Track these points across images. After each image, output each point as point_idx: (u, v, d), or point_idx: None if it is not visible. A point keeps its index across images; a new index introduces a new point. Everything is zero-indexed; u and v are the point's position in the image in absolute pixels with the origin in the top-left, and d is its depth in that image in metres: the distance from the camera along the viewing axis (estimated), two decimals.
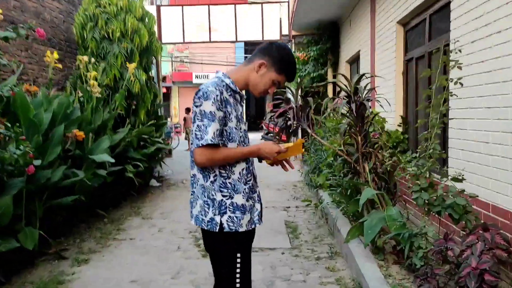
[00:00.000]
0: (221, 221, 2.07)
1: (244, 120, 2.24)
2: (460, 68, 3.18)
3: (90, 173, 5.25)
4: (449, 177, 3.12)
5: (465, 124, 3.61)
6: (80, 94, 5.90)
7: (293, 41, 11.81)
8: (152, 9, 11.20)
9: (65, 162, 4.85)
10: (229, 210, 2.08)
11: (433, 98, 3.14)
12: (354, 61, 8.64)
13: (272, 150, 2.10)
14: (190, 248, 4.81)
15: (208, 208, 2.09)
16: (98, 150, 5.43)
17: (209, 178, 2.09)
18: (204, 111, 1.98)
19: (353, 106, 3.76)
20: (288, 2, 11.54)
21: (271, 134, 14.39)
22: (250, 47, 27.72)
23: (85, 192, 5.60)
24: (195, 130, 2.01)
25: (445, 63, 3.27)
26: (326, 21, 9.95)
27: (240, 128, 2.13)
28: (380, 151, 4.04)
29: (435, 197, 2.95)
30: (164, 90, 21.15)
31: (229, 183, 2.09)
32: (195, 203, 2.17)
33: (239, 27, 11.46)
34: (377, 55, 6.35)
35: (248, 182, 2.15)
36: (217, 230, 2.07)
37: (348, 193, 4.55)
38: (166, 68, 26.95)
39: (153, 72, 9.38)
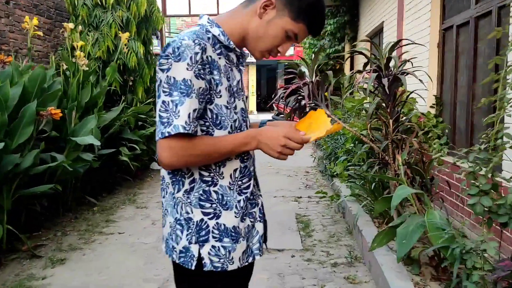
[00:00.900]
0: (200, 253, 1.34)
1: (244, 94, 1.47)
2: None
3: (73, 158, 4.57)
4: None
5: None
6: (66, 67, 5.17)
7: None
8: None
9: (45, 145, 4.17)
10: (213, 237, 1.35)
11: (503, 73, 2.32)
12: (376, 34, 7.78)
13: (290, 140, 1.32)
14: None
15: (181, 232, 1.36)
16: (83, 131, 4.73)
17: (183, 185, 1.35)
18: (173, 78, 1.24)
19: (385, 81, 2.98)
20: None
21: (282, 115, 13.60)
22: None
23: (69, 179, 4.96)
24: (159, 110, 1.26)
25: None
26: None
27: (235, 107, 1.37)
28: (415, 138, 3.27)
29: (499, 204, 2.20)
30: None
31: (215, 192, 1.35)
32: (164, 220, 1.44)
33: None
34: (406, 26, 5.51)
35: (244, 191, 1.41)
36: (193, 267, 1.34)
37: (372, 187, 3.81)
38: None
39: (155, 47, 8.62)
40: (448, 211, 3.69)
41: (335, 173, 5.71)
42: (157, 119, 1.26)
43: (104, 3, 6.36)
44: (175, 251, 1.36)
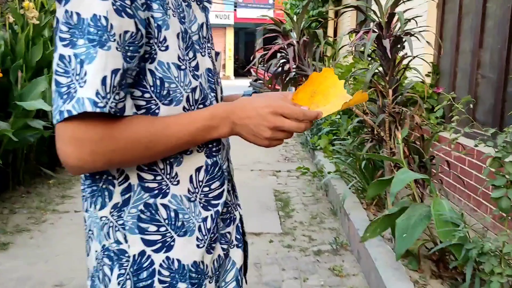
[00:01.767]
0: None
1: (212, 47, 0.94)
2: None
3: (20, 125, 3.97)
4: None
5: None
6: (12, 20, 4.48)
7: None
8: None
9: None
10: (161, 281, 0.85)
11: None
12: None
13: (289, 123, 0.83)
14: None
15: (111, 269, 0.85)
16: (32, 94, 4.11)
17: (110, 197, 0.84)
18: (77, 15, 0.72)
19: (386, 43, 2.48)
20: None
21: (261, 81, 12.98)
22: None
23: (19, 148, 4.37)
24: (56, 72, 0.73)
25: None
26: None
27: (196, 67, 0.86)
28: (416, 113, 2.80)
29: None
30: None
31: (164, 207, 0.85)
32: (88, 246, 0.93)
33: None
34: None
35: (213, 202, 0.91)
36: None
37: (362, 166, 3.36)
38: None
39: None
40: (447, 193, 3.29)
41: (318, 147, 5.26)
42: (53, 87, 0.74)
43: None
44: None
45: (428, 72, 4.13)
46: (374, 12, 2.65)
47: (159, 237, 0.84)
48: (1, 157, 3.76)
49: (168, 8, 0.80)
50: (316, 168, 5.18)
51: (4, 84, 3.88)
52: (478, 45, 3.35)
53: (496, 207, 1.93)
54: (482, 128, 2.99)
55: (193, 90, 0.85)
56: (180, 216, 0.86)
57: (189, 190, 0.87)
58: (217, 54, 0.97)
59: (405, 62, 2.82)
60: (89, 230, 0.90)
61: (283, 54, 3.19)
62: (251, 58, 3.36)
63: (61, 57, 0.72)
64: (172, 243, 0.85)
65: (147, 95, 0.80)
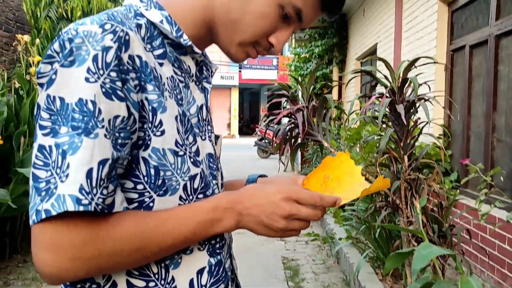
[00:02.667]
0: None
1: (211, 130, 0.85)
2: None
3: (20, 192, 3.85)
4: None
5: None
6: (18, 85, 4.49)
7: (293, 35, 10.46)
8: None
9: None
10: None
11: None
12: (368, 57, 7.30)
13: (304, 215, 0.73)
14: None
15: None
16: None
17: None
18: (60, 100, 0.63)
19: (401, 108, 2.38)
20: None
21: (266, 140, 12.98)
22: None
23: (18, 215, 4.23)
24: (34, 164, 0.63)
25: None
26: None
27: (195, 153, 0.77)
28: (434, 180, 2.66)
29: None
30: None
31: None
32: None
33: None
34: (405, 47, 5.00)
35: None
36: None
37: (376, 235, 3.18)
38: None
39: None
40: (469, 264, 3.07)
41: (327, 211, 5.07)
42: (30, 182, 0.64)
43: (70, 16, 5.73)
44: None
45: (439, 135, 4.03)
46: (386, 77, 2.59)
47: None
48: None
49: (165, 89, 0.73)
50: (326, 233, 4.97)
51: (6, 150, 3.81)
52: (492, 108, 3.27)
53: None
54: (502, 194, 2.84)
55: (192, 178, 0.75)
56: None
57: None
58: (217, 137, 0.88)
59: (418, 126, 2.72)
60: None
61: (291, 118, 3.10)
62: (252, 117, 3.28)
63: (41, 147, 0.63)
64: None
65: (140, 186, 0.70)
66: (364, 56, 7.45)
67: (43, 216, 0.60)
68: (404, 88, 2.56)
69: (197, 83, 0.83)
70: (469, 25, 3.75)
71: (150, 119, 0.70)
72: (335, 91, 8.92)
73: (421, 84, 2.60)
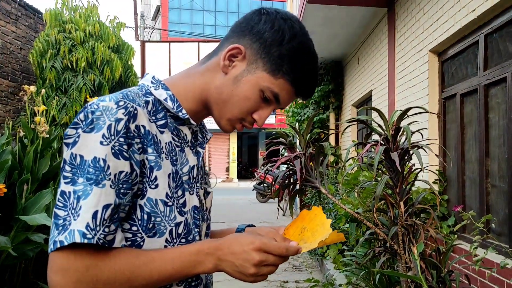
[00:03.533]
0: None
1: (200, 187, 1.04)
2: None
3: (21, 240, 3.86)
4: None
5: None
6: (22, 134, 4.59)
7: None
8: (136, 46, 10.14)
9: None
10: None
11: None
12: (363, 104, 7.48)
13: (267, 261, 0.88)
14: None
15: None
16: (35, 207, 4.06)
17: None
18: (80, 157, 0.83)
19: (395, 156, 2.48)
20: None
21: (265, 184, 13.01)
22: None
23: (17, 263, 4.21)
24: (56, 206, 0.83)
25: None
26: (328, 60, 8.89)
27: (183, 204, 0.95)
28: (431, 225, 2.72)
29: None
30: None
31: None
32: None
33: None
34: (398, 94, 5.17)
35: None
36: None
37: (376, 281, 3.19)
38: None
39: None
40: None
41: (327, 257, 5.07)
42: (52, 220, 0.83)
43: (75, 67, 5.92)
44: None
45: (435, 180, 4.11)
46: (380, 126, 2.69)
47: None
48: None
49: (162, 152, 0.91)
50: (326, 279, 4.94)
51: (8, 197, 3.85)
52: (485, 154, 3.36)
53: None
54: (498, 239, 2.88)
55: (177, 224, 0.93)
56: None
57: None
58: (207, 193, 1.07)
59: (413, 172, 2.80)
60: None
61: (289, 165, 3.18)
62: (257, 165, 3.36)
63: (62, 193, 0.82)
64: None
65: (134, 228, 0.88)
66: (360, 102, 7.64)
67: (58, 245, 0.78)
68: (398, 136, 2.66)
69: (192, 148, 1.01)
70: (459, 75, 3.91)
71: (148, 174, 0.88)
72: (332, 136, 9.07)
73: (414, 132, 2.71)
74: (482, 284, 3.17)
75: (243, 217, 10.39)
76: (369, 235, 3.05)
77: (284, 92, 0.97)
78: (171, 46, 10.47)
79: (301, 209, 9.22)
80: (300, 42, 0.96)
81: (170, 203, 0.91)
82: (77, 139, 0.83)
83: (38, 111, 4.62)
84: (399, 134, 2.66)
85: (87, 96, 5.88)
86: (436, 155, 2.60)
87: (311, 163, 3.14)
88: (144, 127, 0.88)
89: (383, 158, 2.70)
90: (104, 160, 0.82)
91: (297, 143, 3.22)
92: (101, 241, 0.79)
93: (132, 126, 0.86)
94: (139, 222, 0.88)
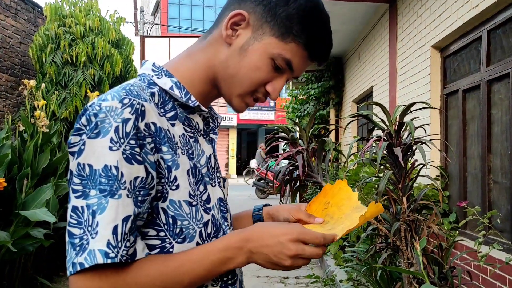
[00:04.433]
0: None
1: (220, 176, 0.96)
2: None
3: (21, 235, 3.85)
4: None
5: None
6: (22, 128, 4.56)
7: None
8: (136, 41, 10.11)
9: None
10: None
11: None
12: (364, 100, 7.47)
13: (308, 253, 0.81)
14: None
15: None
16: (36, 202, 4.04)
17: None
18: (89, 167, 0.75)
19: (398, 151, 2.46)
20: None
21: (264, 181, 13.01)
22: None
23: (17, 258, 4.20)
24: (69, 223, 0.75)
25: None
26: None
27: (207, 200, 0.88)
28: (433, 221, 2.71)
29: None
30: None
31: None
32: None
33: None
34: (399, 91, 5.15)
35: None
36: None
37: (377, 277, 3.18)
38: None
39: None
40: None
41: (328, 253, 5.06)
42: (66, 238, 0.75)
43: (75, 61, 5.89)
44: None
45: (437, 176, 4.09)
46: (383, 121, 2.68)
47: None
48: None
49: (177, 147, 0.84)
50: (327, 275, 4.94)
51: (8, 192, 3.84)
52: (487, 150, 3.35)
53: None
54: (500, 235, 2.87)
55: (206, 224, 0.85)
56: None
57: None
58: (224, 180, 0.97)
59: (416, 168, 2.79)
60: None
61: (291, 160, 3.17)
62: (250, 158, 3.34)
63: (74, 208, 0.74)
64: None
65: (162, 233, 0.80)
66: (361, 98, 7.62)
67: (78, 268, 0.71)
68: (401, 132, 2.65)
69: (205, 136, 0.94)
70: (461, 70, 3.89)
71: (166, 175, 0.80)
72: (332, 132, 9.05)
73: (417, 128, 2.70)
74: (483, 280, 3.17)
75: None
76: (371, 231, 3.04)
77: (297, 57, 0.87)
78: (171, 42, 10.44)
79: None
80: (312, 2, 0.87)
81: (194, 203, 0.84)
82: (82, 147, 0.75)
83: (38, 106, 4.60)
84: (402, 129, 2.64)
85: (87, 90, 5.85)
86: (439, 150, 2.59)
87: (313, 158, 3.13)
88: (154, 124, 0.80)
89: (385, 153, 2.69)
90: (117, 168, 0.74)
91: (299, 139, 3.21)
92: (124, 258, 0.72)
93: (142, 125, 0.77)
94: (165, 227, 0.80)
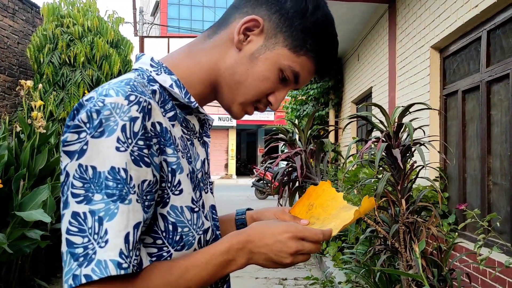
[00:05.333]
0: None
1: (211, 181, 0.93)
2: None
3: (17, 236, 3.82)
4: None
5: None
6: (19, 129, 4.54)
7: None
8: (135, 41, 10.09)
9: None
10: None
11: None
12: (363, 100, 7.45)
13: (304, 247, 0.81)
14: None
15: None
16: (32, 203, 4.01)
17: None
18: (93, 169, 0.67)
19: (397, 153, 2.44)
20: None
21: (263, 181, 12.98)
22: None
23: (13, 259, 4.18)
24: (67, 231, 0.66)
25: None
26: None
27: (203, 206, 0.84)
28: (432, 223, 2.68)
29: None
30: None
31: None
32: None
33: None
34: (399, 92, 5.13)
35: None
36: None
37: (376, 279, 3.15)
38: None
39: None
40: None
41: (326, 254, 5.04)
42: (63, 247, 0.67)
43: (72, 62, 5.87)
44: None
45: (436, 177, 4.07)
46: (381, 122, 2.66)
47: None
48: None
49: (178, 150, 0.79)
50: (325, 277, 4.91)
51: (4, 193, 3.81)
52: (487, 151, 3.33)
53: None
54: (500, 237, 2.85)
55: (205, 231, 0.82)
56: None
57: None
58: (211, 183, 0.92)
59: (415, 169, 2.77)
60: None
61: (289, 161, 3.15)
62: (250, 158, 3.32)
63: (74, 214, 0.66)
64: None
65: (159, 241, 0.76)
66: (360, 99, 7.60)
67: (83, 281, 0.63)
68: (400, 133, 2.63)
69: (199, 139, 0.90)
70: (461, 71, 3.87)
71: (169, 179, 0.76)
72: (331, 133, 9.03)
73: (416, 129, 2.67)
74: (483, 282, 3.15)
75: None
76: (369, 233, 3.02)
77: (305, 70, 0.86)
78: (170, 42, 10.41)
79: None
80: (325, 13, 0.85)
81: (196, 209, 0.80)
82: (85, 147, 0.68)
83: (35, 106, 4.57)
84: (401, 131, 2.62)
85: (85, 91, 5.83)
86: (438, 151, 2.57)
87: (311, 159, 3.11)
88: (160, 124, 0.75)
89: (384, 155, 2.67)
90: (125, 170, 0.68)
91: (297, 140, 3.19)
92: (135, 267, 0.67)
93: (149, 125, 0.72)
94: (164, 234, 0.76)
